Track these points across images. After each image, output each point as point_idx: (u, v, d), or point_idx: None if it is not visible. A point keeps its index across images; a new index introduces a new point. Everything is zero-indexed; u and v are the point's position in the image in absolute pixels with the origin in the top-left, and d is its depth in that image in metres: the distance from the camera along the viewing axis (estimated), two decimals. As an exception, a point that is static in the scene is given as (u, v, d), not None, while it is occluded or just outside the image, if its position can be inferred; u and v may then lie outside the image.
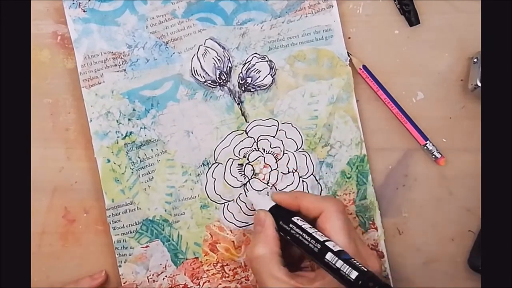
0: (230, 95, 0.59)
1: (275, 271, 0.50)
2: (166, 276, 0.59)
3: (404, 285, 0.59)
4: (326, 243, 0.49)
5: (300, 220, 0.51)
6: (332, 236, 0.50)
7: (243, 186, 0.59)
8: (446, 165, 0.60)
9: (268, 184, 0.59)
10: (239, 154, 0.59)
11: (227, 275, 0.59)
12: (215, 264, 0.59)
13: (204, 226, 0.59)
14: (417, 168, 0.60)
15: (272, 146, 0.59)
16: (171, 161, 0.59)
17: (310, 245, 0.49)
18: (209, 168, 0.59)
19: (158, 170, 0.59)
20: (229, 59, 0.59)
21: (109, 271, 0.60)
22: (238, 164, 0.59)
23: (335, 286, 0.48)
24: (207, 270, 0.59)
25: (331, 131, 0.59)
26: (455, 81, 0.60)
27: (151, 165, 0.59)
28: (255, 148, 0.59)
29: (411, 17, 0.59)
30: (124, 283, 0.59)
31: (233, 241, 0.59)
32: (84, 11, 0.59)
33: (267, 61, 0.59)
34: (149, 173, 0.59)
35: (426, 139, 0.59)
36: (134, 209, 0.59)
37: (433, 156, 0.59)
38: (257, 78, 0.59)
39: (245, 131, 0.59)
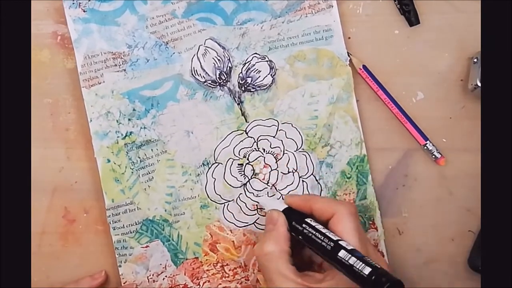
0: (230, 95, 0.59)
1: (283, 268, 0.50)
2: (166, 276, 0.59)
3: (404, 285, 0.59)
4: (339, 242, 0.49)
5: (313, 221, 0.52)
6: (343, 237, 0.50)
7: (243, 186, 0.59)
8: (446, 165, 0.60)
9: (268, 184, 0.59)
10: (239, 154, 0.59)
11: (227, 275, 0.59)
12: (215, 264, 0.59)
13: (204, 226, 0.59)
14: (417, 168, 0.60)
15: (272, 146, 0.59)
16: (171, 161, 0.59)
17: (323, 243, 0.50)
18: (209, 168, 0.59)
19: (158, 170, 0.59)
20: (229, 59, 0.59)
21: (109, 271, 0.60)
22: (238, 164, 0.59)
23: (343, 286, 0.48)
24: (207, 270, 0.59)
25: (331, 131, 0.59)
26: (455, 81, 0.60)
27: (151, 165, 0.59)
28: (255, 148, 0.59)
29: (411, 17, 0.59)
30: (124, 283, 0.59)
31: (233, 241, 0.59)
32: (84, 11, 0.59)
33: (267, 61, 0.59)
34: (149, 173, 0.59)
35: (426, 139, 0.59)
36: (134, 209, 0.59)
37: (433, 156, 0.59)
38: (257, 78, 0.59)
39: (245, 131, 0.59)
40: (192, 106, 0.59)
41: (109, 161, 0.59)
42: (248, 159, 0.59)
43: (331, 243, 0.49)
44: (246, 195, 0.59)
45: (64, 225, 0.60)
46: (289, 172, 0.59)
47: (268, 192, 0.59)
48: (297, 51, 0.59)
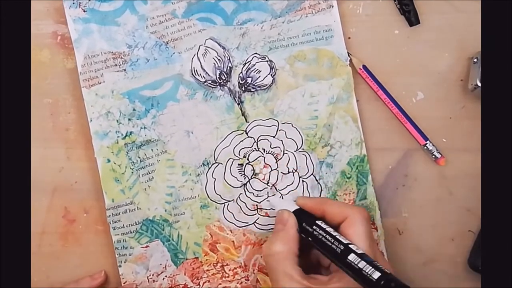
0: (230, 95, 0.59)
1: (289, 269, 0.50)
2: (166, 276, 0.59)
3: (404, 285, 0.59)
4: (350, 245, 0.49)
5: (324, 223, 0.52)
6: (354, 241, 0.50)
7: (243, 186, 0.59)
8: (446, 165, 0.60)
9: (268, 184, 0.59)
10: (239, 154, 0.59)
11: (227, 275, 0.59)
12: (215, 264, 0.59)
13: (204, 226, 0.59)
14: (417, 168, 0.60)
15: (272, 146, 0.59)
16: (171, 161, 0.59)
17: (333, 246, 0.50)
18: (209, 168, 0.59)
19: (158, 170, 0.59)
20: (229, 59, 0.59)
21: (109, 271, 0.60)
22: (238, 164, 0.59)
23: None
24: (207, 270, 0.59)
25: (331, 131, 0.59)
26: (455, 81, 0.60)
27: (151, 165, 0.59)
28: (255, 148, 0.59)
29: (411, 17, 0.59)
30: (124, 283, 0.59)
31: (233, 241, 0.59)
32: (84, 11, 0.59)
33: (267, 61, 0.59)
34: (149, 173, 0.59)
35: (426, 139, 0.59)
36: (134, 209, 0.59)
37: (433, 156, 0.59)
38: (257, 78, 0.59)
39: (245, 131, 0.59)
40: (192, 106, 0.59)
41: (109, 161, 0.59)
42: (248, 159, 0.59)
43: (341, 246, 0.49)
44: (246, 195, 0.59)
45: (64, 225, 0.60)
46: (289, 172, 0.59)
47: (268, 192, 0.59)
48: (297, 51, 0.59)
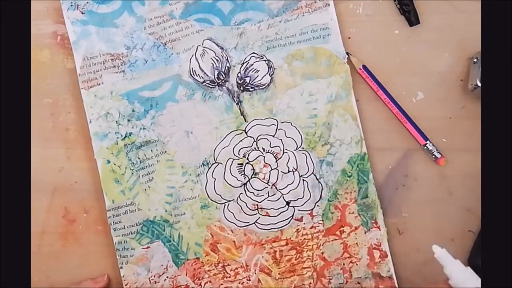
0: (229, 95, 0.59)
1: None
2: (167, 277, 0.59)
3: (404, 285, 0.59)
4: None
5: None
6: None
7: (243, 186, 0.59)
8: (446, 165, 0.59)
9: (268, 184, 0.59)
10: (238, 154, 0.59)
11: (228, 275, 0.59)
12: (216, 264, 0.59)
13: (204, 226, 0.59)
14: (417, 168, 0.60)
15: (271, 146, 0.59)
16: (171, 162, 0.59)
17: None
18: (209, 168, 0.59)
19: (158, 170, 0.59)
20: (227, 59, 0.59)
21: (109, 271, 0.60)
22: (238, 164, 0.59)
23: None
24: (209, 271, 0.59)
25: (331, 130, 0.59)
26: (455, 81, 0.60)
27: (151, 165, 0.59)
28: (254, 148, 0.59)
29: (411, 17, 0.59)
30: (125, 285, 0.59)
31: (234, 241, 0.59)
32: (82, 13, 0.59)
33: (265, 60, 0.59)
34: (149, 173, 0.59)
35: (426, 139, 0.59)
36: (135, 210, 0.59)
37: (433, 156, 0.59)
38: (256, 78, 0.59)
39: (245, 130, 0.59)
40: (191, 106, 0.59)
41: (109, 162, 0.59)
42: (248, 158, 0.59)
43: None
44: (247, 195, 0.59)
45: (64, 225, 0.60)
46: (289, 171, 0.59)
47: (268, 192, 0.59)
48: (294, 50, 0.59)
